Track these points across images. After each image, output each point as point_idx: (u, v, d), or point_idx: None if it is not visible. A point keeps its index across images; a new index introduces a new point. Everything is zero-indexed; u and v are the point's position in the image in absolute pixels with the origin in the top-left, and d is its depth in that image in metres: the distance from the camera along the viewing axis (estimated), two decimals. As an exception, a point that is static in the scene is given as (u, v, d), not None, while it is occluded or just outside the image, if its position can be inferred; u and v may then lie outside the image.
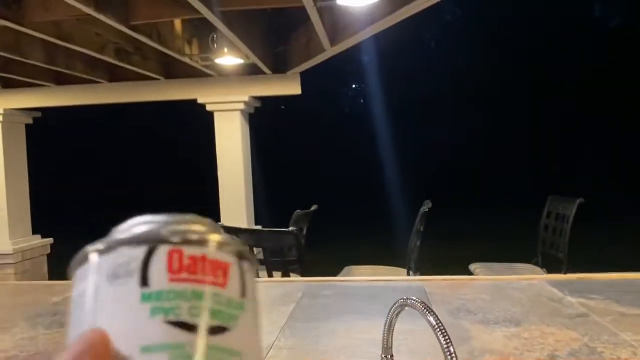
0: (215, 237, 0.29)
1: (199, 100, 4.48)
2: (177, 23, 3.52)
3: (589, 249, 5.74)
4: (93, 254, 0.29)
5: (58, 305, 1.49)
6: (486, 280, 1.60)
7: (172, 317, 0.26)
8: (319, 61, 4.02)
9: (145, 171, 12.87)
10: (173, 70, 4.41)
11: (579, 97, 12.62)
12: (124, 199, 12.02)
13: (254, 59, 3.74)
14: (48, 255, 5.01)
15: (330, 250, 6.53)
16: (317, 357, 1.09)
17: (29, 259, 4.68)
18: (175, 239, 0.28)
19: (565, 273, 3.61)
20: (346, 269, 3.87)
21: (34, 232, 4.96)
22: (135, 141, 12.96)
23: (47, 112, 5.01)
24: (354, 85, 15.16)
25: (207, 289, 0.27)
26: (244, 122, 4.59)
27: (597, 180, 10.03)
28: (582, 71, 12.71)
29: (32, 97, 4.61)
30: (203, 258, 0.28)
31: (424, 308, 0.79)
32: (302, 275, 2.45)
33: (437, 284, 1.58)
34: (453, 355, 0.71)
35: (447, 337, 0.72)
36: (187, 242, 0.28)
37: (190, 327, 0.27)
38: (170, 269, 0.27)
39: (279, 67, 4.27)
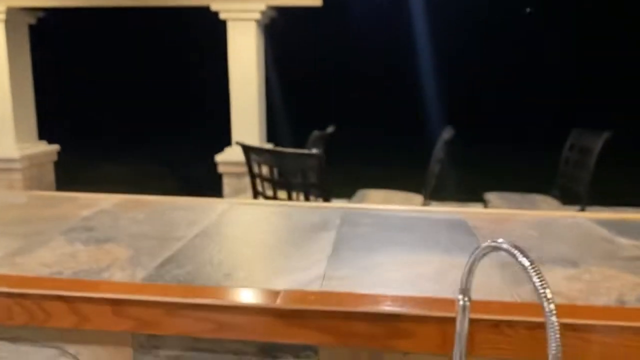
0: None
1: (212, 8, 4.23)
2: None
3: (610, 184, 5.67)
4: None
5: (89, 220, 1.41)
6: (529, 216, 1.51)
7: None
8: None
9: (151, 81, 12.58)
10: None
11: (613, 24, 12.07)
12: (130, 109, 11.85)
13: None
14: (55, 163, 4.94)
15: (345, 172, 6.42)
16: (370, 289, 1.01)
17: (36, 165, 4.60)
18: None
19: (583, 207, 3.55)
20: (360, 192, 3.80)
21: (40, 138, 4.86)
22: (142, 49, 12.58)
23: (51, 13, 4.76)
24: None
25: None
26: (259, 33, 4.36)
27: (628, 114, 9.79)
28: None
29: (36, -4, 4.36)
30: None
31: (518, 251, 0.73)
32: (324, 199, 2.36)
33: (478, 218, 1.48)
34: (550, 298, 0.70)
35: (542, 279, 0.71)
36: None
37: None
38: None
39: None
